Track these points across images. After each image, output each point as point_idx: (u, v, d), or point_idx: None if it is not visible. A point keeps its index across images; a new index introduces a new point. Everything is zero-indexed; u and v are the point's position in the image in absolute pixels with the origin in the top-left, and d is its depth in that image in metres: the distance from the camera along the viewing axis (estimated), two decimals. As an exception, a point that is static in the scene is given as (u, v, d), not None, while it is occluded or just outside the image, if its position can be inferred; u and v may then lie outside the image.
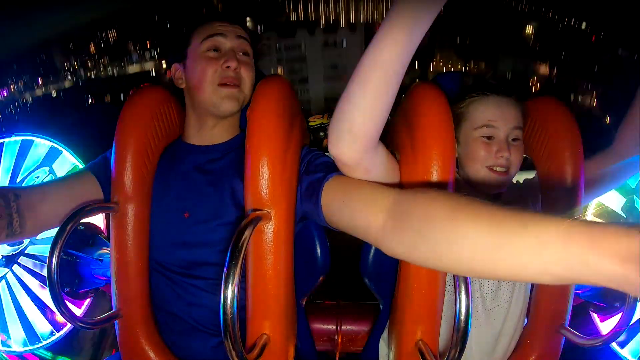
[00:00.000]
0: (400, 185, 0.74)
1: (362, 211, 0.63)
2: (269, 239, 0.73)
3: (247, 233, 0.63)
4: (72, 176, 0.90)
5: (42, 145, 1.41)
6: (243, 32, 0.88)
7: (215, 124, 0.89)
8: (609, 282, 0.35)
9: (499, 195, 0.90)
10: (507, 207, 0.45)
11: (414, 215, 0.54)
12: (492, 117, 0.84)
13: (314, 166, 0.78)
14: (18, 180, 1.34)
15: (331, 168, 0.75)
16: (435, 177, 0.70)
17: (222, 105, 0.84)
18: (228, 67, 0.83)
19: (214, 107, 0.85)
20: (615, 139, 0.93)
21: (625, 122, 0.90)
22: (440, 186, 0.70)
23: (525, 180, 1.00)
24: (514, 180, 0.97)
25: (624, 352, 1.19)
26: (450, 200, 0.51)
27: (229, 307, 0.58)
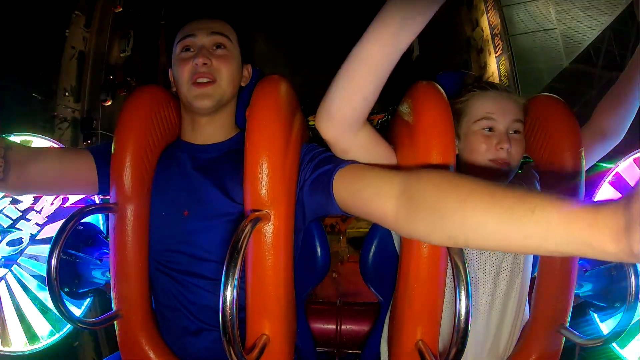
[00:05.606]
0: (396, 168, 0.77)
1: (372, 201, 0.64)
2: (269, 240, 0.73)
3: (246, 234, 0.63)
4: (70, 149, 0.92)
5: (41, 144, 1.40)
6: (218, 27, 0.87)
7: (207, 122, 0.89)
8: (615, 258, 0.38)
9: None
10: (508, 188, 0.48)
11: (426, 200, 0.55)
12: (491, 109, 0.84)
13: (320, 161, 0.78)
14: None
15: (337, 161, 0.76)
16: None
17: (195, 103, 0.84)
18: (197, 64, 0.83)
19: (190, 105, 0.86)
20: (594, 113, 0.97)
21: (605, 99, 0.95)
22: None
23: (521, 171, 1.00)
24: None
25: (624, 352, 1.19)
26: (457, 183, 0.53)
27: (228, 308, 0.58)
